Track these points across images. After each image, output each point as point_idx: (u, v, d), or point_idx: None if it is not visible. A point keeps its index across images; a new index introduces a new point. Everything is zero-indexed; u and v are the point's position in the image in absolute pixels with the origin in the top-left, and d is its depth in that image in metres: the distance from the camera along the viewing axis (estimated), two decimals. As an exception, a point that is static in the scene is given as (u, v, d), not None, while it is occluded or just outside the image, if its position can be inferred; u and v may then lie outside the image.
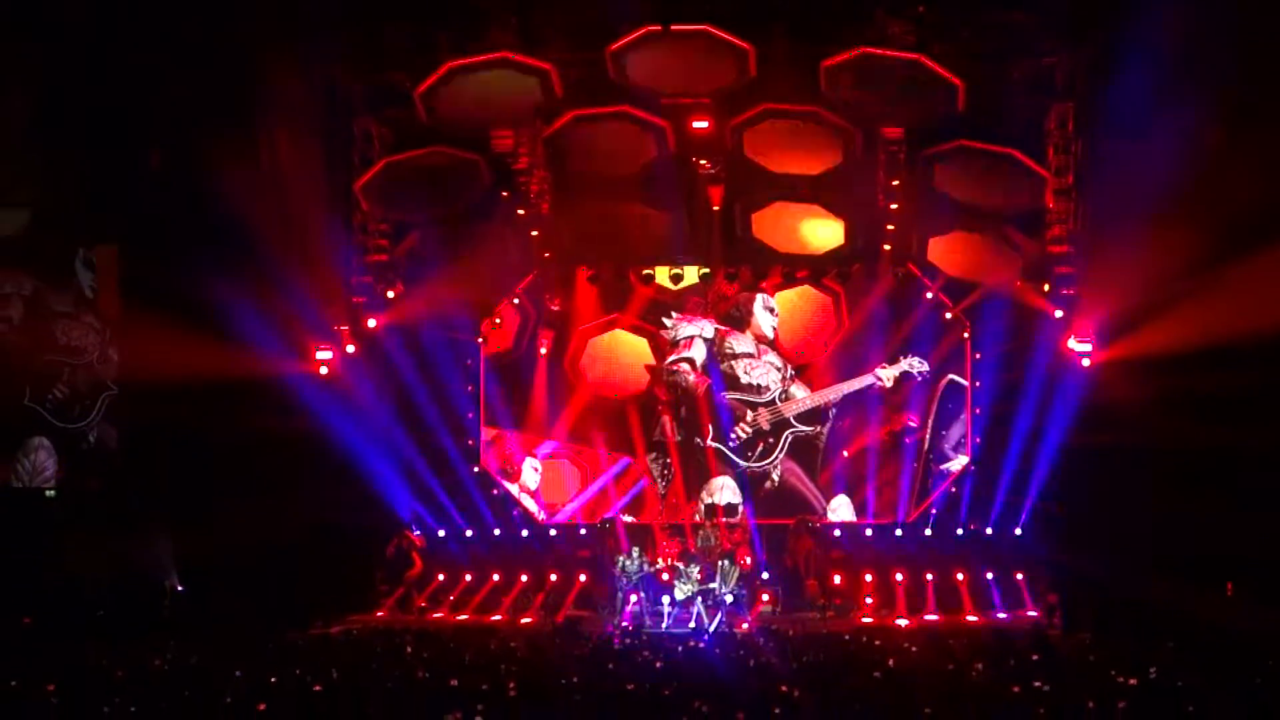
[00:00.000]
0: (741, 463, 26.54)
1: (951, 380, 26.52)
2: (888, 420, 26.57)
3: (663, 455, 26.80)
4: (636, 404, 26.94)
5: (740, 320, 26.82)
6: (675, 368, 26.79)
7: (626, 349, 27.15)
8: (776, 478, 26.57)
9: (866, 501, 26.38)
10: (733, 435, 26.57)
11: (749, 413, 26.62)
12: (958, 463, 26.40)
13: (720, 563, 23.75)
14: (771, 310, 26.77)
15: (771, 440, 26.57)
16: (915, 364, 26.42)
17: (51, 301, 25.08)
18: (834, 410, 26.61)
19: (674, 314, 26.84)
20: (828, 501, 26.49)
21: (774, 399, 26.64)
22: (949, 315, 26.25)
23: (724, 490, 26.47)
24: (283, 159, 24.24)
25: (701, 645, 18.60)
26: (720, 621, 22.49)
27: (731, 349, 26.81)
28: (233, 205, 22.82)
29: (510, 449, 26.96)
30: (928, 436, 26.44)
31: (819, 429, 26.61)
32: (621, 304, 27.08)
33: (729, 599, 23.23)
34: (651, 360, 26.94)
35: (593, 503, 26.81)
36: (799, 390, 26.71)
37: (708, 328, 26.83)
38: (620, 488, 26.65)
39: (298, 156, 24.42)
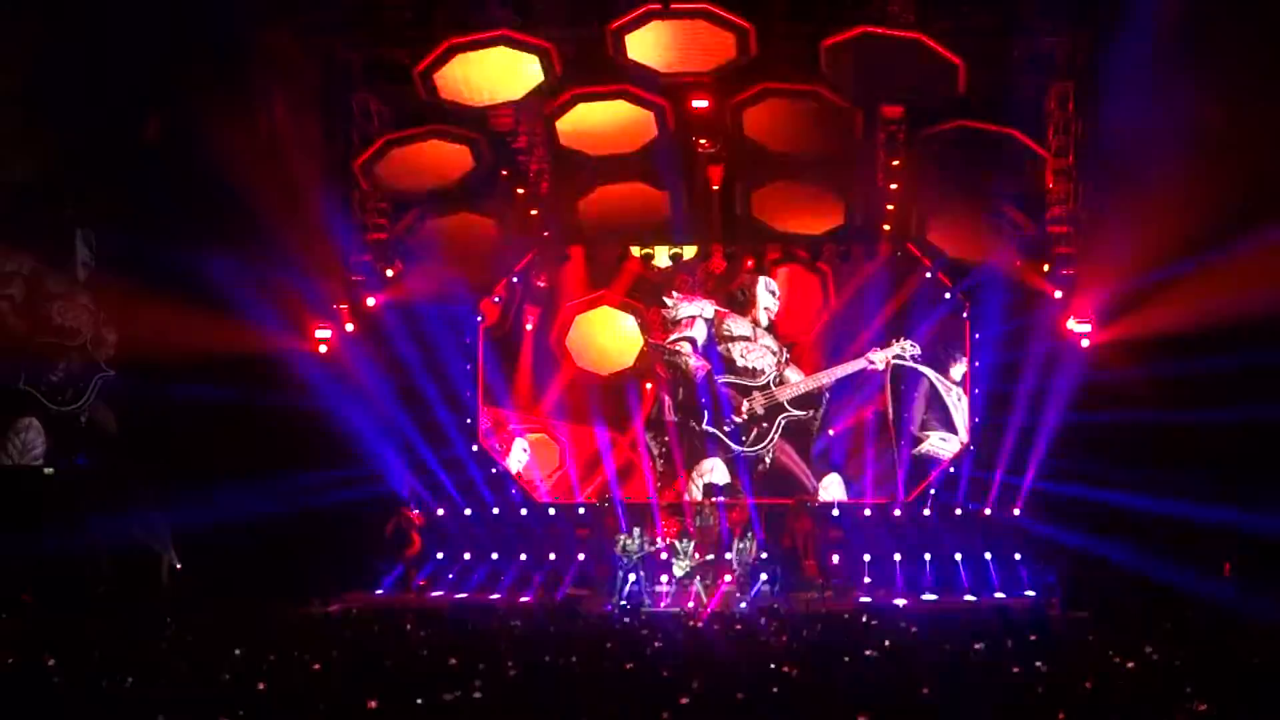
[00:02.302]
0: (737, 448, 26.46)
1: (898, 364, 26.31)
2: (873, 400, 26.50)
3: (659, 434, 26.70)
4: (623, 381, 26.73)
5: (744, 303, 26.63)
6: (676, 347, 26.68)
7: (613, 326, 26.94)
8: (769, 460, 26.51)
9: (856, 480, 26.32)
10: (728, 422, 26.50)
11: (744, 401, 26.54)
12: (928, 444, 26.30)
13: (736, 544, 23.89)
14: (774, 293, 26.57)
15: (765, 425, 26.46)
16: (907, 347, 26.26)
17: (49, 282, 25.06)
18: (828, 394, 26.54)
19: (675, 293, 26.68)
20: (818, 481, 26.45)
21: (768, 383, 26.51)
22: (948, 295, 26.18)
23: (714, 472, 26.36)
24: (281, 133, 24.18)
25: (700, 625, 18.64)
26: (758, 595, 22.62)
27: (729, 331, 26.68)
28: (231, 180, 22.75)
29: (496, 425, 26.86)
30: (890, 420, 26.30)
31: (812, 412, 26.54)
32: (608, 281, 26.89)
33: (763, 576, 23.31)
34: (638, 338, 26.78)
35: (573, 480, 26.63)
36: (793, 374, 26.57)
37: (708, 308, 26.67)
38: (604, 465, 26.40)
39: (296, 131, 24.37)
